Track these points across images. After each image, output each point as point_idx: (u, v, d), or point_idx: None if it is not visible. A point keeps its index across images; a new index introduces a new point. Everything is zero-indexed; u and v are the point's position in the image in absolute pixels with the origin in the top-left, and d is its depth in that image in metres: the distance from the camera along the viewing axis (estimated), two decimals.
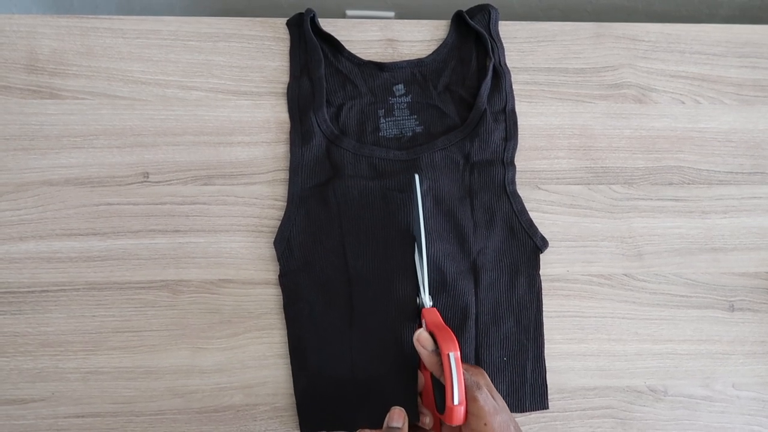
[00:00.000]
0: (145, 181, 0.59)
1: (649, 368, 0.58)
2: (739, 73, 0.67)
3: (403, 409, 0.47)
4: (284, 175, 0.60)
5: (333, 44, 0.64)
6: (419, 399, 0.51)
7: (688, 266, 0.60)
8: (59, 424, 0.53)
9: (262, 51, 0.64)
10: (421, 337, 0.49)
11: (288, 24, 0.65)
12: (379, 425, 0.47)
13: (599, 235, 0.61)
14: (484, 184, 0.59)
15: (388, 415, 0.47)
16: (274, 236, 0.57)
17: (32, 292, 0.56)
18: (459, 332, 0.55)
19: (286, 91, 0.62)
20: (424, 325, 0.51)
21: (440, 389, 0.46)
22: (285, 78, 0.63)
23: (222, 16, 0.64)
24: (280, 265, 0.57)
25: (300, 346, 0.55)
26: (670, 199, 0.62)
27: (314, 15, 0.63)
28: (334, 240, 0.57)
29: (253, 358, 0.55)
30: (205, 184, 0.59)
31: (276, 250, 0.57)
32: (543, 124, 0.64)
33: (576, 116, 0.64)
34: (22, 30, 0.62)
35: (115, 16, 0.63)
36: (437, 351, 0.47)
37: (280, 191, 0.59)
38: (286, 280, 0.56)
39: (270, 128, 0.61)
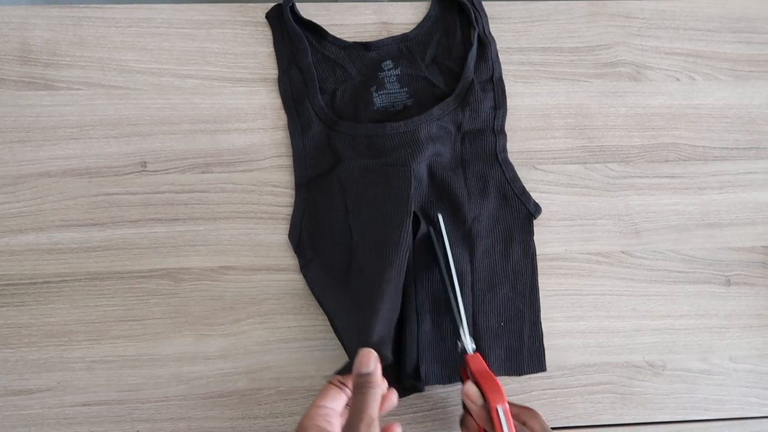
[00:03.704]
0: (143, 171, 0.59)
1: (647, 344, 0.58)
2: (734, 48, 0.67)
3: (371, 350, 0.43)
4: (282, 161, 0.60)
5: (316, 31, 0.63)
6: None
7: (685, 242, 0.61)
8: (66, 413, 0.54)
9: (256, 37, 0.63)
10: (470, 391, 0.47)
11: (267, 17, 0.64)
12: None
13: (596, 214, 0.61)
14: (476, 153, 0.60)
15: (355, 360, 0.42)
16: (288, 230, 0.58)
17: (34, 283, 0.56)
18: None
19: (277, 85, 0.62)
20: (469, 373, 0.50)
21: None
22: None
23: (213, 3, 0.64)
24: (297, 256, 0.57)
25: (333, 325, 0.55)
26: (667, 176, 0.63)
27: (293, 4, 0.63)
28: (341, 222, 0.57)
29: (256, 343, 0.56)
30: (203, 172, 0.59)
31: (291, 243, 0.57)
32: (539, 104, 0.64)
33: (571, 95, 0.64)
34: (13, 21, 0.62)
35: (107, 5, 0.62)
36: (486, 405, 0.46)
37: (279, 177, 0.59)
38: (306, 271, 0.57)
39: (266, 114, 0.61)
